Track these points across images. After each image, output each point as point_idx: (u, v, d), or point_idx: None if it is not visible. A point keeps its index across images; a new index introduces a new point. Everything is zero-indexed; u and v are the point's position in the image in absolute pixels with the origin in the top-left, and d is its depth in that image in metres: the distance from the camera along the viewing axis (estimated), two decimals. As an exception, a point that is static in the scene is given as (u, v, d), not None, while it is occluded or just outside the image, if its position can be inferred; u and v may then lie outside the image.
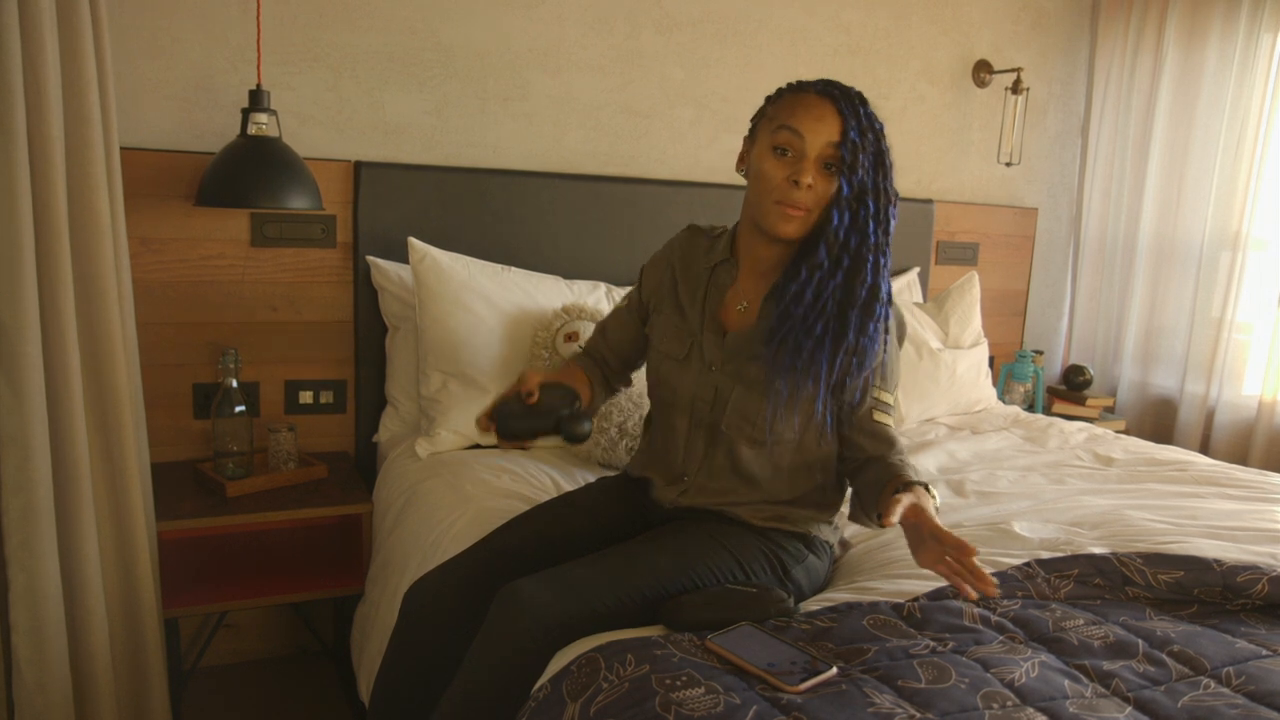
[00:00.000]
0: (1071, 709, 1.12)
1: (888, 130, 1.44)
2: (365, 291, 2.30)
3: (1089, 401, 3.18)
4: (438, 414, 2.12)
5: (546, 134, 2.51)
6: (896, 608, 1.35)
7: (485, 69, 2.41)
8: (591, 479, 1.83)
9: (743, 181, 1.50)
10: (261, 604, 2.01)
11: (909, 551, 1.32)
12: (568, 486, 1.92)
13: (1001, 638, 1.28)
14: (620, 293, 2.38)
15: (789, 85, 1.46)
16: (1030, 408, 3.10)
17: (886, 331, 1.46)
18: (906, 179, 3.06)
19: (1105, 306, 3.34)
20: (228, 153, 1.97)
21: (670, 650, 1.20)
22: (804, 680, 1.14)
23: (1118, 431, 2.69)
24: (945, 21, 3.04)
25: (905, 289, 2.97)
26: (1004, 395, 3.10)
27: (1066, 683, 1.18)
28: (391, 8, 2.28)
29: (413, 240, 2.19)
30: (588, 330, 2.07)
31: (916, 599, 1.38)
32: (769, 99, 1.47)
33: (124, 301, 1.76)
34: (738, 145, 1.53)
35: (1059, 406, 3.18)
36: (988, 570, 1.24)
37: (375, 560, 2.04)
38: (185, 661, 2.24)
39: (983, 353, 2.84)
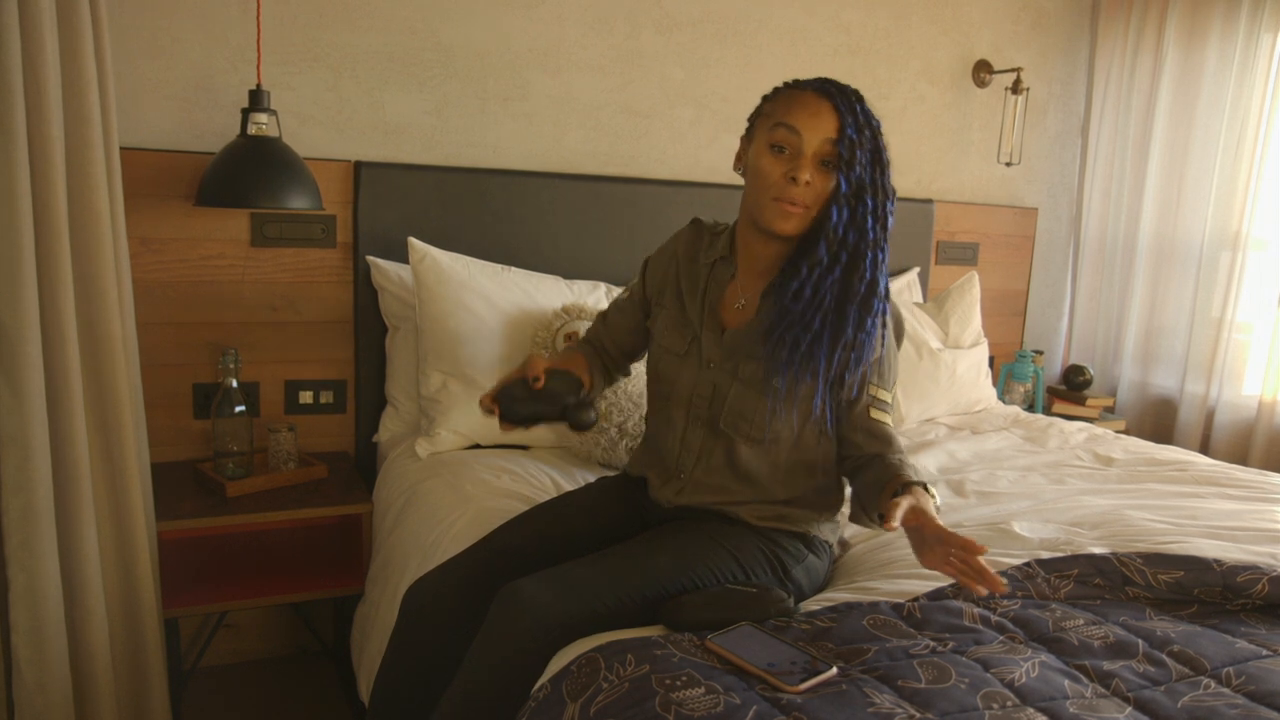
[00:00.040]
0: (1071, 709, 1.12)
1: (887, 130, 1.44)
2: (365, 291, 2.30)
3: (1089, 401, 3.18)
4: (438, 414, 2.12)
5: (546, 134, 2.51)
6: (896, 608, 1.35)
7: (485, 69, 2.41)
8: (591, 479, 1.83)
9: (743, 181, 1.50)
10: (261, 604, 2.01)
11: (909, 551, 1.32)
12: (568, 486, 1.92)
13: (1001, 638, 1.28)
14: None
15: (786, 84, 1.46)
16: (1030, 408, 3.10)
17: (884, 327, 1.46)
18: (906, 179, 3.06)
19: (1105, 306, 3.34)
20: (228, 153, 1.97)
21: (670, 650, 1.20)
22: (804, 680, 1.14)
23: (1118, 431, 2.69)
24: (945, 21, 3.04)
25: (905, 289, 2.97)
26: (1004, 395, 3.10)
27: (1066, 683, 1.18)
28: (391, 8, 2.28)
29: (413, 240, 2.19)
30: (588, 330, 2.08)
31: (916, 599, 1.38)
32: (766, 98, 1.48)
33: (124, 301, 1.76)
34: (738, 145, 1.54)
35: (1059, 406, 3.18)
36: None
37: (375, 560, 2.04)
38: (185, 661, 2.24)
39: (983, 353, 2.83)
